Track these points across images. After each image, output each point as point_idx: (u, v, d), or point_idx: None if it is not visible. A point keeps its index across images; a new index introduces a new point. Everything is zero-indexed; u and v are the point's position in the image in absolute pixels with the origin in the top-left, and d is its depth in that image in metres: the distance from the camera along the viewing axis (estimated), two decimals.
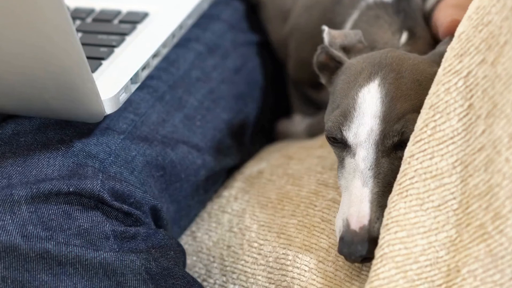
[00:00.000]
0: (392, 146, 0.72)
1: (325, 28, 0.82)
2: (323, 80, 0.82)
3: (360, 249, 0.69)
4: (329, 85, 0.81)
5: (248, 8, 1.05)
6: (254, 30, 1.04)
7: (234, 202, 0.89)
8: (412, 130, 0.71)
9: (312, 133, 0.98)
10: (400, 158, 0.72)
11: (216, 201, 0.92)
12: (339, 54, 0.79)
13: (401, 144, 0.72)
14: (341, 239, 0.70)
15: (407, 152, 0.69)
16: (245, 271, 0.83)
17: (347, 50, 0.81)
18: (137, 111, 0.85)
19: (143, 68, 0.83)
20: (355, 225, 0.70)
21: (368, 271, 0.72)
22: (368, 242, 0.69)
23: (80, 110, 0.76)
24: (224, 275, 0.84)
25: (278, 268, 0.80)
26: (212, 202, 0.92)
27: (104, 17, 0.90)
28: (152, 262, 0.78)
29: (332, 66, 0.80)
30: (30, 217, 0.74)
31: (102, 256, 0.75)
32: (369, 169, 0.72)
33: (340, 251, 0.70)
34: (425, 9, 0.87)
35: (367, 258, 0.70)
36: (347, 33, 0.82)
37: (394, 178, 0.72)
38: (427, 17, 0.86)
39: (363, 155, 0.72)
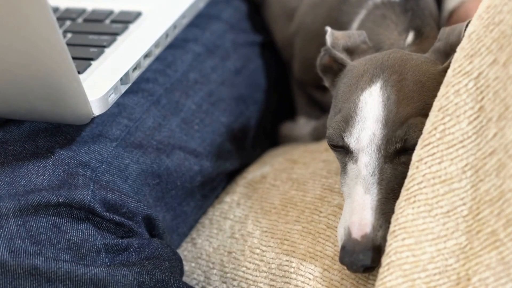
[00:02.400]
0: (395, 152, 0.71)
1: (328, 29, 0.81)
2: (326, 83, 0.82)
3: (362, 258, 0.68)
4: (332, 88, 0.80)
5: (250, 7, 1.04)
6: (256, 30, 1.03)
7: (237, 208, 0.89)
8: (415, 135, 0.70)
9: (317, 136, 0.97)
10: (404, 164, 0.71)
11: (217, 207, 0.91)
12: (342, 56, 0.79)
13: (405, 149, 0.71)
14: (343, 248, 0.70)
15: (415, 156, 0.69)
16: (246, 278, 0.82)
17: (351, 51, 0.80)
18: (132, 116, 0.84)
19: (134, 68, 0.82)
20: (356, 234, 0.69)
21: (375, 280, 0.71)
22: (370, 251, 0.68)
23: (67, 112, 0.75)
24: (224, 282, 0.83)
25: (281, 275, 0.79)
26: (213, 208, 0.91)
27: (96, 17, 0.89)
28: (145, 275, 0.77)
29: (336, 68, 0.80)
30: (18, 230, 0.73)
31: (93, 271, 0.74)
32: (371, 175, 0.71)
33: (341, 260, 0.69)
34: (446, 9, 0.86)
35: (369, 267, 0.69)
36: (351, 34, 0.81)
37: (397, 184, 0.71)
38: (447, 18, 0.85)
39: (365, 161, 0.71)
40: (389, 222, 0.69)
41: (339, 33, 0.81)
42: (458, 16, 0.85)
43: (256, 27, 1.03)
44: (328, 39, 0.80)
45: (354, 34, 0.81)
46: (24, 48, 0.68)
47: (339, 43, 0.80)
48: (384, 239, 0.69)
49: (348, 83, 0.75)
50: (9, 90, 0.73)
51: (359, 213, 0.69)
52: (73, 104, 0.73)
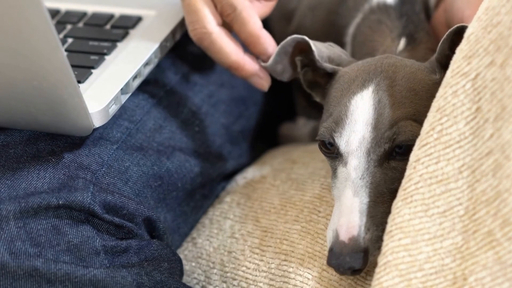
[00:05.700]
0: (384, 155, 0.71)
1: (310, 41, 0.79)
2: (316, 98, 0.82)
3: (348, 260, 0.69)
4: (323, 99, 0.80)
5: None
6: None
7: (237, 208, 0.89)
8: (404, 135, 0.70)
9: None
10: (394, 169, 0.71)
11: (218, 207, 0.91)
12: (331, 66, 0.78)
13: (394, 154, 0.72)
14: (330, 250, 0.70)
15: (413, 156, 0.69)
16: (246, 278, 0.82)
17: (334, 61, 0.79)
18: (132, 118, 0.84)
19: (135, 77, 0.81)
20: (344, 236, 0.69)
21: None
22: (357, 253, 0.69)
23: (68, 124, 0.75)
24: (225, 282, 0.83)
25: (280, 275, 0.79)
26: (213, 208, 0.91)
27: (96, 22, 0.88)
28: (144, 276, 0.77)
29: (322, 82, 0.79)
30: (19, 232, 0.73)
31: (92, 273, 0.74)
32: (360, 179, 0.71)
33: (329, 262, 0.70)
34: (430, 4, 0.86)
35: (357, 270, 0.69)
36: (332, 44, 0.81)
37: (387, 189, 0.71)
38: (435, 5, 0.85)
39: (355, 164, 0.71)
40: (377, 225, 0.70)
41: (322, 44, 0.80)
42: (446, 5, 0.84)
43: None
44: (315, 50, 0.78)
45: (332, 44, 0.80)
46: (25, 63, 0.68)
47: (323, 55, 0.79)
48: (371, 242, 0.69)
49: (340, 88, 0.75)
50: (11, 103, 0.73)
51: (347, 215, 0.69)
52: (75, 117, 0.73)
